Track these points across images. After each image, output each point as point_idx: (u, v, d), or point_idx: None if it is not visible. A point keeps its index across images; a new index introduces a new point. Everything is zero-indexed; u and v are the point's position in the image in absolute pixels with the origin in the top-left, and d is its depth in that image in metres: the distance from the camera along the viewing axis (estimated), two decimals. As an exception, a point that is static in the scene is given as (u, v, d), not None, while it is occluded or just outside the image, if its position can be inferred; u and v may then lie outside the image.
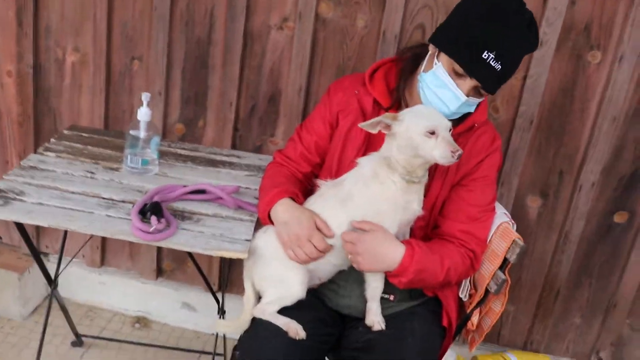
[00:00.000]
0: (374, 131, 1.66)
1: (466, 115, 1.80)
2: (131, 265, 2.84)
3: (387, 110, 1.83)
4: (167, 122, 2.55)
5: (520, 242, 1.82)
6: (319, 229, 1.72)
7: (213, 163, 2.26)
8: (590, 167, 2.37)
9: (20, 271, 2.75)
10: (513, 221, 1.93)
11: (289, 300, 1.76)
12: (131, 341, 2.70)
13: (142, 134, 2.06)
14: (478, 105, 1.79)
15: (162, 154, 2.24)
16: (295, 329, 1.72)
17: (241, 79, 2.45)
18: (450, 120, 1.74)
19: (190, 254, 2.44)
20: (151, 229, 1.72)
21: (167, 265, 2.81)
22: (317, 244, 1.70)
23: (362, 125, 1.66)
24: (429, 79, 1.71)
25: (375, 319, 1.78)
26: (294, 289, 1.76)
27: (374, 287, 1.77)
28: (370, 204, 1.69)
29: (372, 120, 1.65)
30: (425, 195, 1.80)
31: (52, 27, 2.51)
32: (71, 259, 2.47)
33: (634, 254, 2.48)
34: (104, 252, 2.84)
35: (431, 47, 1.74)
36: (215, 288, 2.70)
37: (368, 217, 1.70)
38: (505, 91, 2.33)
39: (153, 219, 1.74)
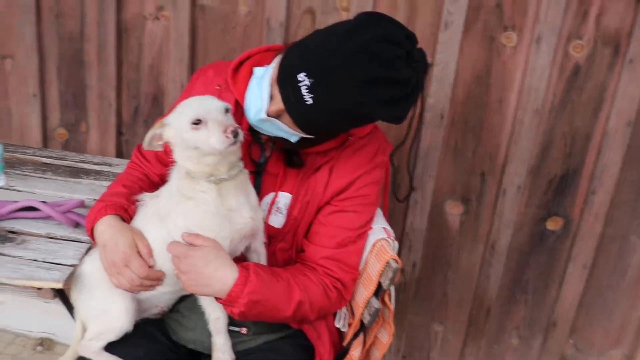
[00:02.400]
0: (158, 148, 1.39)
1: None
2: (27, 284, 2.60)
3: None
4: (46, 127, 2.29)
5: (395, 264, 1.51)
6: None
7: (76, 173, 2.00)
8: (514, 167, 2.05)
9: None
10: (393, 238, 1.62)
11: (113, 335, 1.50)
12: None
13: (-22, 143, 1.81)
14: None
15: (21, 163, 2.01)
16: (120, 369, 1.45)
17: (120, 78, 2.18)
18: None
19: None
20: (-55, 257, 1.47)
21: (66, 284, 2.54)
22: (135, 270, 1.43)
23: (145, 148, 1.39)
24: (257, 73, 1.43)
25: (222, 356, 1.51)
26: (117, 322, 1.49)
27: (215, 319, 1.49)
28: (189, 220, 1.41)
29: (145, 138, 1.37)
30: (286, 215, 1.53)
31: None
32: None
33: (572, 265, 2.15)
34: (-3, 270, 2.60)
35: None
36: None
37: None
38: (412, 82, 2.02)
39: (-48, 244, 1.49)
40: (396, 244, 1.62)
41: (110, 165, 2.08)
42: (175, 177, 1.42)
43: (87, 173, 2.00)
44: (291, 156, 1.49)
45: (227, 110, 1.33)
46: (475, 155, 2.08)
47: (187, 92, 1.62)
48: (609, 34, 1.88)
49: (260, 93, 1.38)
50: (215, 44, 2.08)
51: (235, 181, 1.38)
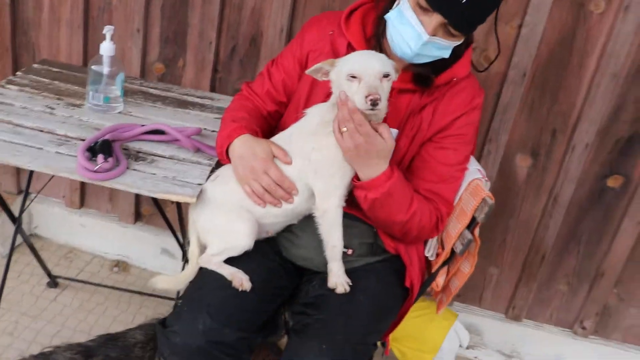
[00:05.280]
0: (319, 78, 1.56)
1: (444, 67, 1.67)
2: (110, 208, 2.79)
3: None
4: (146, 61, 2.46)
5: (490, 201, 1.71)
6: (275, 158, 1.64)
7: (183, 104, 2.16)
8: (585, 127, 2.21)
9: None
10: (486, 178, 1.81)
11: (235, 252, 1.68)
12: (106, 285, 2.67)
13: (105, 69, 1.97)
14: (457, 54, 1.66)
15: (132, 93, 2.16)
16: (240, 280, 1.64)
17: (221, 18, 2.33)
18: (424, 67, 1.63)
19: (155, 200, 2.37)
20: (96, 168, 1.64)
21: (146, 210, 2.75)
22: (273, 176, 1.61)
23: (308, 72, 1.56)
24: (393, 16, 1.58)
25: (338, 280, 1.68)
26: (241, 241, 1.67)
27: (332, 246, 1.66)
28: (330, 149, 1.58)
29: (315, 66, 1.54)
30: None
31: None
32: (33, 199, 2.38)
33: (626, 221, 2.33)
34: (84, 193, 2.79)
35: None
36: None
37: (325, 168, 1.61)
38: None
39: (100, 157, 1.67)
40: (489, 183, 1.81)
41: (212, 99, 2.24)
42: (321, 113, 1.59)
43: (193, 105, 2.16)
44: (423, 77, 1.65)
45: (385, 76, 1.48)
46: (549, 113, 2.24)
47: (301, 37, 1.79)
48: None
49: (408, 25, 1.53)
50: (318, -8, 2.23)
51: None
